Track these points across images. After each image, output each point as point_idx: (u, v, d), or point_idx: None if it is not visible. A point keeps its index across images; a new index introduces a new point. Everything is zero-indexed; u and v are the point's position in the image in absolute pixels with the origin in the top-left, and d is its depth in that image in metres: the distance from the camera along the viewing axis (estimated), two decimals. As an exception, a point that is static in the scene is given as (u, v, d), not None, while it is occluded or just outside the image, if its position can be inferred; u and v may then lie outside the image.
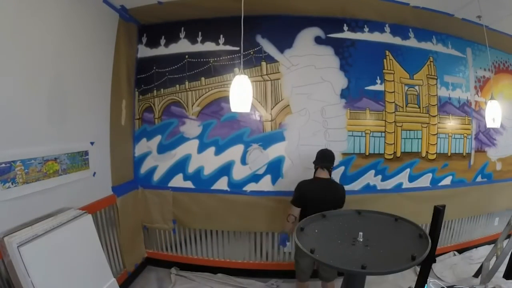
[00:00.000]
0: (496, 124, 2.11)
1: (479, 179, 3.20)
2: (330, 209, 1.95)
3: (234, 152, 2.67)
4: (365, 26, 2.72)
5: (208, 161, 2.69)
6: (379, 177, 2.79)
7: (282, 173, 2.68)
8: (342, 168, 2.72)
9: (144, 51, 2.77)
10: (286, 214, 2.10)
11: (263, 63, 2.65)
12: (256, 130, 2.67)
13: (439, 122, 2.94)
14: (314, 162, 2.19)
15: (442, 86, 2.96)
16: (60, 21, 1.84)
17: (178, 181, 2.73)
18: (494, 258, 2.41)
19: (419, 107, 2.87)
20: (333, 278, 2.15)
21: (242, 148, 2.67)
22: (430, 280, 1.82)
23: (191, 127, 2.70)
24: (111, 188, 2.42)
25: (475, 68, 3.13)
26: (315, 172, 2.17)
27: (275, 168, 2.68)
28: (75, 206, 1.94)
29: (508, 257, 2.32)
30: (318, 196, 2.02)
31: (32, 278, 1.38)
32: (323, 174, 2.12)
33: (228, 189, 2.69)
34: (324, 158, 2.15)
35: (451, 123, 3.01)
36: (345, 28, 2.69)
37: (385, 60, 2.76)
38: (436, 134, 2.94)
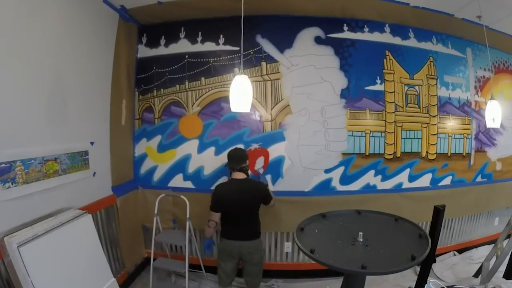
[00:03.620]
0: (496, 124, 2.11)
1: (479, 179, 3.20)
2: (251, 207, 2.02)
3: (234, 152, 2.67)
4: (365, 26, 2.72)
5: (208, 161, 2.69)
6: (379, 177, 2.79)
7: (282, 173, 2.68)
8: (342, 168, 2.71)
9: (144, 51, 2.77)
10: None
11: (263, 63, 2.65)
12: (256, 130, 2.67)
13: (439, 122, 2.94)
14: (227, 165, 2.15)
15: (442, 86, 2.96)
16: (60, 21, 1.83)
17: (178, 181, 2.73)
18: (494, 258, 2.41)
19: (419, 107, 2.87)
20: (258, 283, 2.15)
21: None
22: (430, 280, 1.82)
23: (191, 127, 2.70)
24: (111, 188, 2.42)
25: (475, 68, 3.13)
26: (230, 174, 2.13)
27: (275, 168, 2.67)
28: (75, 206, 1.94)
29: (508, 257, 2.32)
30: (235, 197, 2.00)
31: (32, 278, 1.38)
32: (239, 175, 2.07)
33: (228, 189, 2.69)
34: (232, 160, 2.10)
35: (451, 123, 3.01)
36: (345, 28, 2.69)
37: (385, 60, 2.76)
38: (436, 134, 2.94)
